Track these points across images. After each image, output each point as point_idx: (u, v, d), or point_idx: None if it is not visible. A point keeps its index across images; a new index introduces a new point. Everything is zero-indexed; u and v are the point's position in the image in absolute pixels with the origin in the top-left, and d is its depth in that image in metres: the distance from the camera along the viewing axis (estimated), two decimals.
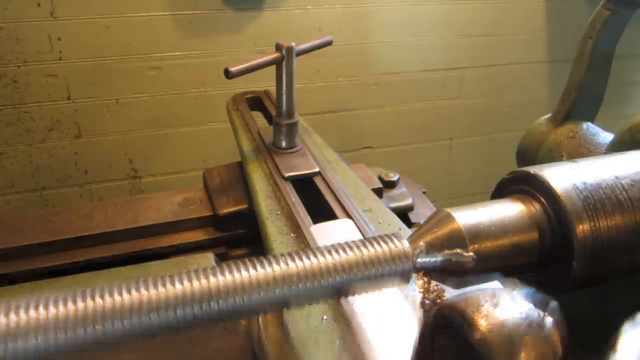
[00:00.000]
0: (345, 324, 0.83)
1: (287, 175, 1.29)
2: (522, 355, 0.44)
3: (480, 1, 3.19)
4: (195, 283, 0.50)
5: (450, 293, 0.57)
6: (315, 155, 1.41)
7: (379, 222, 1.12)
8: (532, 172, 0.63)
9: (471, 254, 0.57)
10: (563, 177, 0.62)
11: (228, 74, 1.28)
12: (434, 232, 0.58)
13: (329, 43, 1.50)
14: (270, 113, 1.63)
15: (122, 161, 2.83)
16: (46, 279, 1.08)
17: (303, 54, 1.41)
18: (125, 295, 0.49)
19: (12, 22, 2.40)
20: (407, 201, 1.56)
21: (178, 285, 0.50)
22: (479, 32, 3.27)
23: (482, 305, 0.47)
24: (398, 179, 1.61)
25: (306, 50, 1.43)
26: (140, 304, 0.49)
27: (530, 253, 0.61)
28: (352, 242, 0.57)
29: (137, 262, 1.14)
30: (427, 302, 0.59)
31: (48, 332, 0.46)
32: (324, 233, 1.06)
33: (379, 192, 1.47)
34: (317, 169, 1.33)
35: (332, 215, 1.15)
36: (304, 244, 1.04)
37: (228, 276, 0.52)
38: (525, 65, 3.47)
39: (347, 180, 1.30)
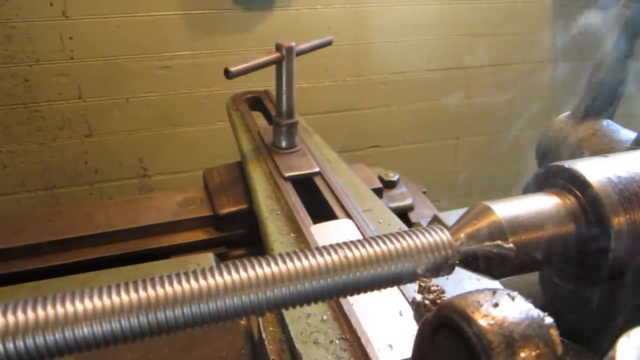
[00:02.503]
0: (346, 324, 0.83)
1: (287, 175, 1.29)
2: (521, 354, 0.44)
3: (486, 1, 3.20)
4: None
5: (450, 293, 0.57)
6: (315, 155, 1.41)
7: (379, 222, 1.12)
8: (566, 166, 0.65)
9: (511, 245, 0.58)
10: (597, 170, 0.63)
11: (228, 74, 1.28)
12: (474, 224, 0.60)
13: (329, 43, 1.49)
14: (270, 113, 1.63)
15: (132, 160, 2.85)
16: (46, 279, 1.08)
17: (303, 54, 1.41)
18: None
19: (24, 21, 2.41)
20: (407, 201, 1.56)
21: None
22: (485, 32, 3.28)
23: (482, 305, 0.47)
24: (398, 179, 1.61)
25: (306, 50, 1.42)
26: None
27: (566, 245, 0.62)
28: (395, 233, 0.58)
29: (138, 262, 1.13)
30: (427, 302, 0.59)
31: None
32: (324, 233, 1.06)
33: (379, 192, 1.47)
34: (317, 169, 1.33)
35: (332, 215, 1.15)
36: (304, 244, 1.04)
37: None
38: (531, 64, 3.48)
39: (347, 181, 1.30)
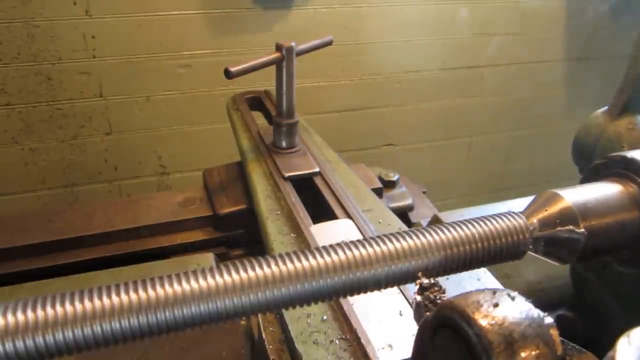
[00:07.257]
0: (346, 324, 0.83)
1: (287, 175, 1.29)
2: (521, 354, 0.44)
3: (501, 0, 3.21)
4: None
5: (450, 293, 0.58)
6: (315, 155, 1.41)
7: (379, 222, 1.12)
8: (629, 156, 0.68)
9: (583, 230, 0.61)
10: None
11: (228, 74, 1.28)
12: (545, 210, 0.63)
13: (329, 43, 1.49)
14: (270, 113, 1.63)
15: (151, 158, 2.88)
16: (46, 279, 1.08)
17: (303, 54, 1.41)
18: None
19: (48, 20, 2.44)
20: (407, 201, 1.56)
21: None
22: (500, 31, 3.29)
23: (482, 305, 0.47)
24: (398, 179, 1.61)
25: (306, 50, 1.43)
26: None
27: (631, 230, 0.65)
28: (473, 219, 0.60)
29: (138, 262, 1.13)
30: (427, 302, 0.59)
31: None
32: (324, 233, 1.06)
33: (379, 192, 1.47)
34: (317, 169, 1.33)
35: (332, 215, 1.15)
36: (304, 244, 1.04)
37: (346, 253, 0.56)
38: (544, 63, 3.49)
39: (347, 181, 1.30)
